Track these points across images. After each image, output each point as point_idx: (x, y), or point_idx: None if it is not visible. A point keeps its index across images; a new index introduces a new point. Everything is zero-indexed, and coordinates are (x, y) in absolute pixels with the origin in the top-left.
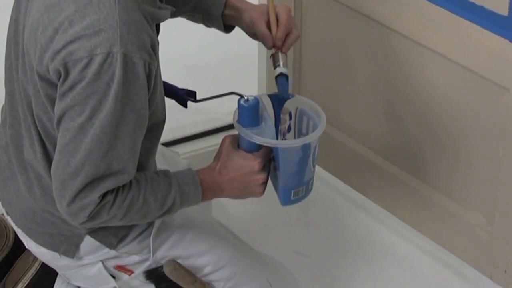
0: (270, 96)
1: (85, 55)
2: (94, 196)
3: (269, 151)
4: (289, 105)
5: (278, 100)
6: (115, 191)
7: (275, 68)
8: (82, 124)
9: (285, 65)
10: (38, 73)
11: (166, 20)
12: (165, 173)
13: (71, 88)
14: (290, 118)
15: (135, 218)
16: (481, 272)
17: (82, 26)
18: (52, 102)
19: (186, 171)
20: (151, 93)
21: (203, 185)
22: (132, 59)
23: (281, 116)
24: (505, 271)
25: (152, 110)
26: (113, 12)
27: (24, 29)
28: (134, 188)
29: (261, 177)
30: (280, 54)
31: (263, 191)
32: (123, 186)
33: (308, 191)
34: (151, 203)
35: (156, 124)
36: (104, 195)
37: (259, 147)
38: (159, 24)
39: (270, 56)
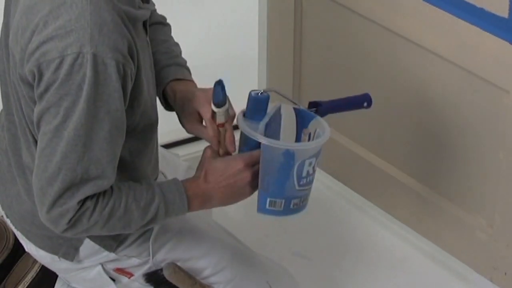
0: (295, 109)
1: (56, 55)
2: (73, 202)
3: (260, 152)
4: (311, 126)
5: (302, 117)
6: (96, 197)
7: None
8: (57, 127)
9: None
10: (20, 75)
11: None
12: (148, 182)
13: (46, 90)
14: (309, 139)
15: (118, 227)
16: (481, 274)
17: (54, 26)
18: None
19: (171, 180)
20: (136, 94)
21: (188, 194)
22: (103, 60)
23: (302, 136)
24: (505, 273)
25: (141, 111)
26: (84, 12)
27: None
28: (116, 195)
29: (247, 175)
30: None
31: (252, 191)
32: (104, 192)
33: (287, 209)
34: (133, 211)
35: (149, 125)
36: (84, 201)
37: (254, 144)
38: (146, 24)
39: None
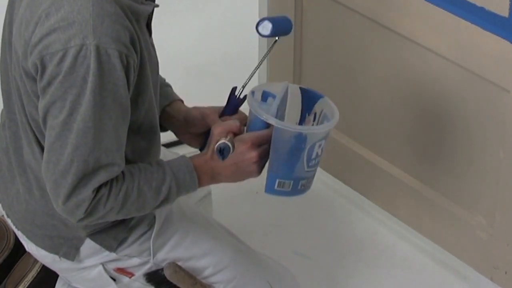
0: (301, 89)
1: (60, 48)
2: (87, 191)
3: (268, 132)
4: (317, 106)
5: (308, 97)
6: (109, 184)
7: None
8: (64, 120)
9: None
10: (24, 70)
11: (166, 21)
12: (158, 162)
13: (50, 83)
14: (314, 119)
15: (133, 210)
16: (481, 273)
17: (57, 18)
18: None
19: (180, 158)
20: (140, 90)
21: (198, 171)
22: (107, 51)
23: (307, 116)
24: (506, 272)
25: (146, 109)
26: (87, 4)
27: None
28: (128, 179)
29: (253, 155)
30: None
31: (259, 170)
32: (117, 178)
33: (295, 190)
34: (146, 192)
35: (151, 125)
36: (98, 189)
37: (262, 124)
38: (150, 25)
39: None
